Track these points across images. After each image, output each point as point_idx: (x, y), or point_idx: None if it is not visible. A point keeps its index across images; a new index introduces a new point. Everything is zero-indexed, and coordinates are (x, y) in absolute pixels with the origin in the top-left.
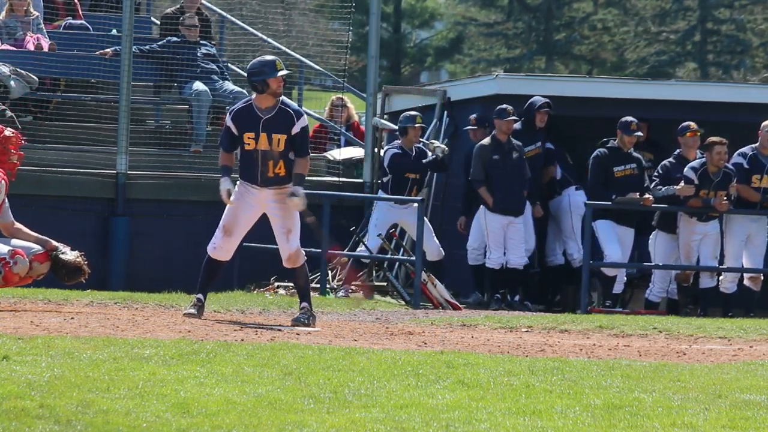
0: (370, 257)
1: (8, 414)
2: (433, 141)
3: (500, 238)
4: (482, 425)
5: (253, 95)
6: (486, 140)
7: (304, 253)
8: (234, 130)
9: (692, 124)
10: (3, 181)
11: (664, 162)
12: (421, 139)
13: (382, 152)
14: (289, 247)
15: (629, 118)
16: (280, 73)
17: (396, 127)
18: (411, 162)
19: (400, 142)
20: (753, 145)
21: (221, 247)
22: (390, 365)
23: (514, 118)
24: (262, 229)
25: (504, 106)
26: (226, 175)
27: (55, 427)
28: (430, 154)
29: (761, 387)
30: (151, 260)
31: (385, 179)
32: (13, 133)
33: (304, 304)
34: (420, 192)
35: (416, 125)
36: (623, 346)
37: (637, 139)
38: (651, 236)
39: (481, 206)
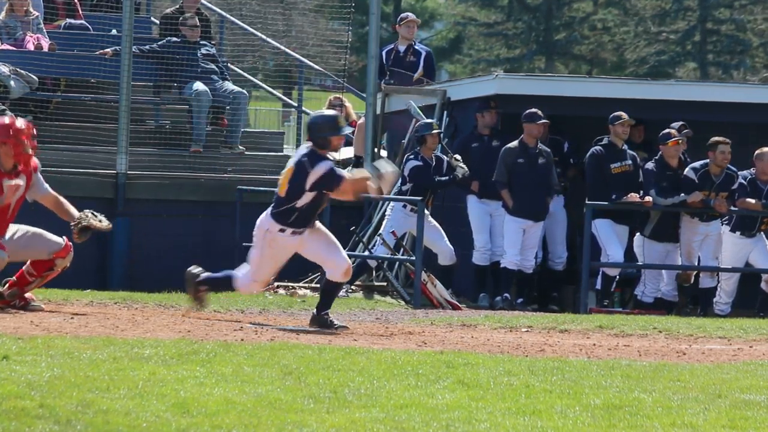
0: (370, 257)
1: (8, 414)
2: (457, 158)
3: (518, 240)
4: (482, 425)
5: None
6: (513, 143)
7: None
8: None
9: (624, 114)
10: (24, 175)
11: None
12: (451, 153)
13: (383, 152)
14: (346, 259)
15: (617, 113)
16: (344, 132)
17: (424, 119)
18: (432, 174)
19: (419, 151)
20: (751, 170)
21: (252, 290)
22: (390, 365)
23: (545, 121)
24: None
25: (534, 110)
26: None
27: (55, 427)
28: (448, 163)
29: (761, 387)
30: (151, 260)
31: (404, 188)
32: (25, 123)
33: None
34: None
35: (434, 132)
36: (623, 346)
37: (629, 124)
38: (636, 240)
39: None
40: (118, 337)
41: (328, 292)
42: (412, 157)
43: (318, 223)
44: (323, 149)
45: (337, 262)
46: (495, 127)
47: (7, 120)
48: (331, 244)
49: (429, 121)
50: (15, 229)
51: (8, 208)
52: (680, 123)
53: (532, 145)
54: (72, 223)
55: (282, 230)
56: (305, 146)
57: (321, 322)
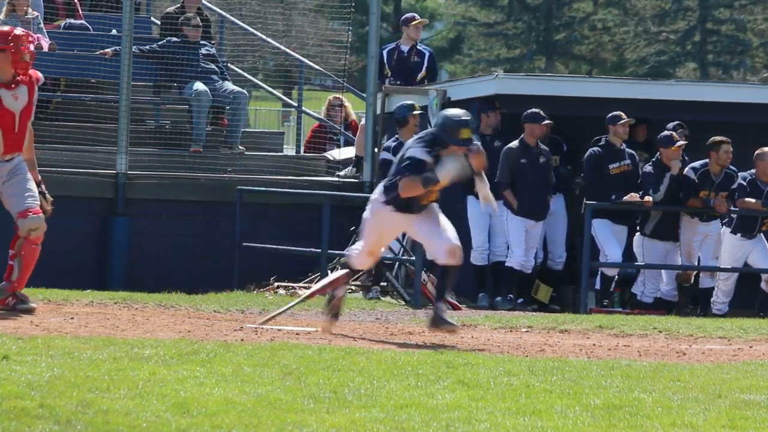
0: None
1: (8, 414)
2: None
3: (522, 240)
4: (482, 425)
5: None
6: (514, 143)
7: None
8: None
9: (623, 114)
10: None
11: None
12: None
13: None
14: (450, 239)
15: (616, 112)
16: (468, 144)
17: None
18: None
19: (399, 136)
20: (751, 171)
21: (362, 263)
22: (390, 365)
23: (549, 122)
24: (262, 229)
25: (537, 110)
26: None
27: (55, 427)
28: None
29: (761, 387)
30: (151, 260)
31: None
32: (23, 31)
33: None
34: None
35: (415, 112)
36: (623, 346)
37: (630, 124)
38: (636, 240)
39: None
40: (118, 337)
41: (441, 278)
42: (386, 148)
43: (433, 207)
44: (443, 149)
45: (437, 243)
46: (496, 128)
47: (5, 27)
48: (435, 226)
49: (410, 102)
50: (21, 169)
51: (13, 122)
52: (675, 123)
53: (533, 145)
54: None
55: (385, 203)
56: (431, 131)
57: (434, 319)
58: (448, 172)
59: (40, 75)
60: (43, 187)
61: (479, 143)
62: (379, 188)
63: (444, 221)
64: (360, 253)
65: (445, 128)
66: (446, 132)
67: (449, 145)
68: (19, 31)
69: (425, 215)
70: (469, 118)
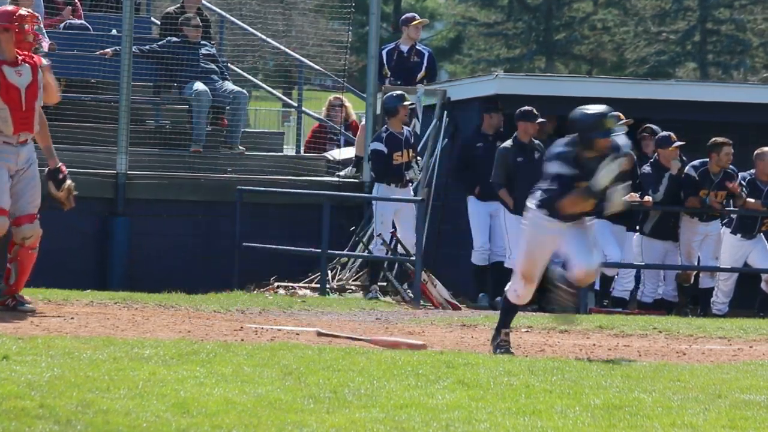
0: (370, 257)
1: (8, 414)
2: (418, 160)
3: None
4: (482, 425)
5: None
6: (508, 143)
7: None
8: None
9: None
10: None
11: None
12: (415, 154)
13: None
14: (591, 264)
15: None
16: (612, 133)
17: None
18: (401, 146)
19: (388, 126)
20: (751, 171)
21: (524, 295)
22: (390, 365)
23: (542, 120)
24: (262, 229)
25: (529, 108)
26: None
27: (55, 427)
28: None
29: (761, 387)
30: (151, 260)
31: (373, 174)
32: (28, 12)
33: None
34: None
35: (405, 103)
36: (623, 346)
37: (627, 125)
38: (635, 239)
39: (502, 207)
40: (118, 337)
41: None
42: (377, 138)
43: (585, 222)
44: (587, 149)
45: (577, 260)
46: (498, 128)
47: (10, 7)
48: (583, 242)
49: (400, 92)
50: (33, 165)
51: (19, 98)
52: (645, 126)
53: (527, 142)
54: (66, 186)
55: (538, 205)
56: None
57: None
58: (604, 178)
59: (42, 59)
60: (60, 176)
61: (625, 127)
62: (535, 197)
63: (594, 239)
64: (514, 281)
65: (586, 126)
66: (590, 129)
67: (594, 141)
68: (24, 11)
69: (577, 228)
70: (605, 108)
